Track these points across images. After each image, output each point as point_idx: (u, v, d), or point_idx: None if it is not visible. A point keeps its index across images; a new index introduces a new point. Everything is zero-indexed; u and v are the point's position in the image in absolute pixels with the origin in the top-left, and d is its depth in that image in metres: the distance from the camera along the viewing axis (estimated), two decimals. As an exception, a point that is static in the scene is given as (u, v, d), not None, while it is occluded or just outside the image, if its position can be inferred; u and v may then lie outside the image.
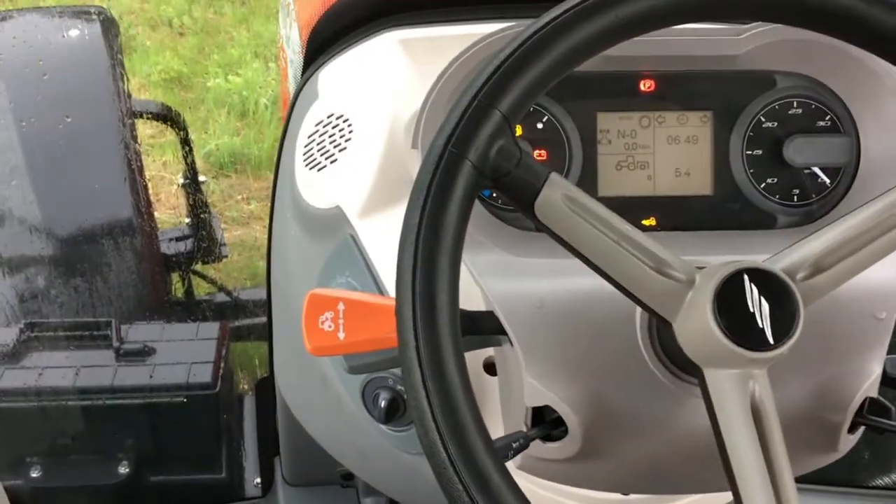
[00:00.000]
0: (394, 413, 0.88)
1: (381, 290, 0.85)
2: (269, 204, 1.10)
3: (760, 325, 0.61)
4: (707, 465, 0.69)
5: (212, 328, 1.80)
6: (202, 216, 2.06)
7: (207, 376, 1.67)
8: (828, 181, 0.88)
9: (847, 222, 0.66)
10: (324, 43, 1.03)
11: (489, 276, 0.77)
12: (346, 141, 0.91)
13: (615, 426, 0.75)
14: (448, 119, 0.62)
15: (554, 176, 0.64)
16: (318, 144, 0.93)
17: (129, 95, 1.75)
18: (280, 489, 1.60)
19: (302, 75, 1.05)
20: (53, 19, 1.85)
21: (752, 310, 0.61)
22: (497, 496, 0.57)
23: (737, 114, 0.88)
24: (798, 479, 0.63)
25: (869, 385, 0.76)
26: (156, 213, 1.96)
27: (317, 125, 0.94)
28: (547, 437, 0.75)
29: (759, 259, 0.64)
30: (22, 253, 1.72)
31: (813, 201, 0.89)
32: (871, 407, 0.77)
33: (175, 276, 2.02)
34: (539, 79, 0.63)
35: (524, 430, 0.75)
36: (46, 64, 1.67)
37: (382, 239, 0.87)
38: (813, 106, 0.88)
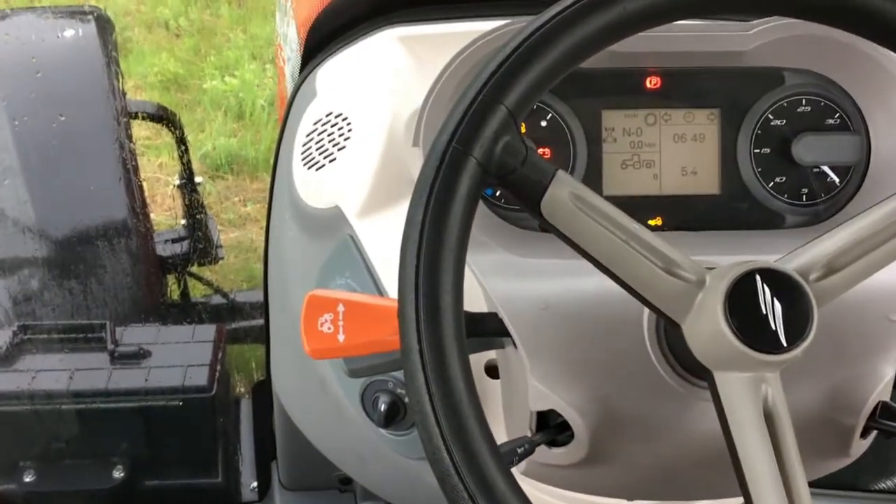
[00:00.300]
0: (393, 417, 0.87)
1: (380, 292, 0.84)
2: (267, 204, 1.08)
3: (773, 327, 0.60)
4: (716, 470, 0.68)
5: (208, 331, 1.79)
6: (198, 217, 2.04)
7: (203, 379, 1.66)
8: (837, 180, 0.87)
9: (860, 222, 0.65)
10: (322, 41, 1.02)
11: (492, 276, 0.75)
12: (345, 140, 0.90)
13: (622, 431, 0.74)
14: (452, 115, 0.61)
15: (561, 173, 0.63)
16: (316, 143, 0.92)
17: (125, 94, 1.73)
18: (277, 494, 1.59)
19: (300, 73, 1.04)
20: (48, 18, 1.84)
21: (764, 311, 0.60)
22: (502, 503, 0.55)
23: (744, 111, 0.87)
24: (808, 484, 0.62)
25: (882, 388, 0.75)
26: (152, 215, 1.95)
27: (315, 124, 0.93)
28: (552, 443, 0.74)
29: (769, 259, 0.63)
30: (15, 254, 1.71)
31: (822, 201, 0.88)
32: (882, 411, 0.76)
33: (171, 278, 2.01)
34: (545, 74, 0.62)
35: (528, 434, 0.74)
36: (40, 62, 1.67)
37: (382, 239, 0.86)
38: (822, 103, 0.87)
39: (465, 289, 0.61)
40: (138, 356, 1.69)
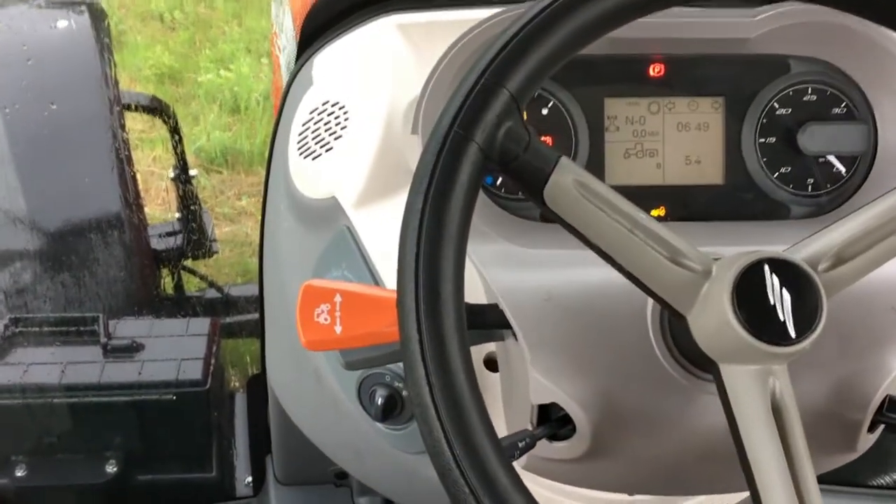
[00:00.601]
0: (391, 411, 0.86)
1: (377, 284, 0.83)
2: (262, 196, 1.07)
3: (782, 318, 0.58)
4: (720, 465, 0.67)
5: (202, 324, 1.78)
6: (193, 209, 2.03)
7: (198, 373, 1.66)
8: (843, 170, 0.86)
9: (869, 211, 0.64)
10: (318, 29, 1.01)
11: (493, 267, 0.74)
12: (342, 129, 0.88)
13: (625, 424, 0.72)
14: (453, 99, 0.59)
15: (564, 160, 0.61)
16: (312, 132, 0.91)
17: (117, 84, 1.72)
18: (272, 488, 1.58)
19: (296, 62, 1.03)
20: (41, 8, 1.83)
21: (772, 302, 0.58)
22: (505, 498, 0.54)
23: (749, 100, 0.86)
24: None
25: (890, 382, 0.74)
26: (146, 208, 1.94)
27: (311, 113, 0.92)
28: (553, 437, 0.72)
29: (776, 250, 0.61)
30: (6, 246, 1.69)
31: (828, 191, 0.87)
32: (890, 405, 0.75)
33: (165, 272, 1.99)
34: (548, 57, 0.61)
35: (529, 428, 0.73)
36: (31, 51, 1.65)
37: (379, 230, 0.85)
38: (828, 92, 0.86)
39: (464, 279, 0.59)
40: (131, 349, 1.68)
